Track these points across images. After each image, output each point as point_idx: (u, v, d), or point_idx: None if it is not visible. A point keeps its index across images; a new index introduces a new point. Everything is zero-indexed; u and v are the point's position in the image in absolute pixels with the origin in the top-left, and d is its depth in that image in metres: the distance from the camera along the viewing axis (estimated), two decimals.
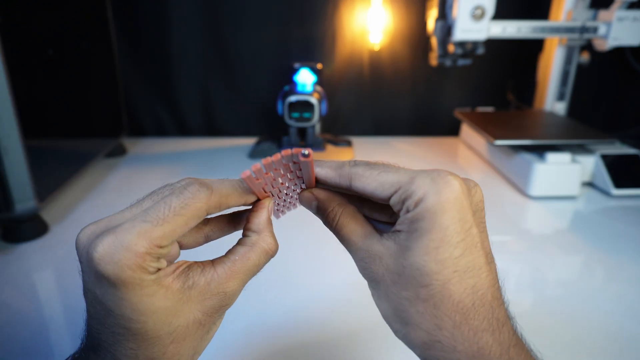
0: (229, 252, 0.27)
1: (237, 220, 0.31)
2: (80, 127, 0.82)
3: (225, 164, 0.95)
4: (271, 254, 0.28)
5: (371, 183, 0.25)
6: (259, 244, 0.27)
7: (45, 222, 0.66)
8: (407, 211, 0.23)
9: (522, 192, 0.81)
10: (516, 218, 0.73)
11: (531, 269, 0.58)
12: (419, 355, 0.24)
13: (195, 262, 0.26)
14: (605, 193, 0.81)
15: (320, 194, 0.29)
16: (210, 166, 0.93)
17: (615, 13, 0.86)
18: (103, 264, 0.22)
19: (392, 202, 0.24)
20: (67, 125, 0.77)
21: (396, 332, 0.25)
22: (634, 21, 0.86)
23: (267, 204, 0.29)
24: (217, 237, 0.30)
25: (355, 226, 0.27)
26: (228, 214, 0.30)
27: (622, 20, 0.86)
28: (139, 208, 0.25)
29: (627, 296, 0.53)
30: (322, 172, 0.27)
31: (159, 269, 0.23)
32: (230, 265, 0.26)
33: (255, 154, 0.99)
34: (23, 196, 0.59)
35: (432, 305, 0.23)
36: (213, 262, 0.26)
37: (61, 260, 0.59)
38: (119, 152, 0.98)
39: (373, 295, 0.26)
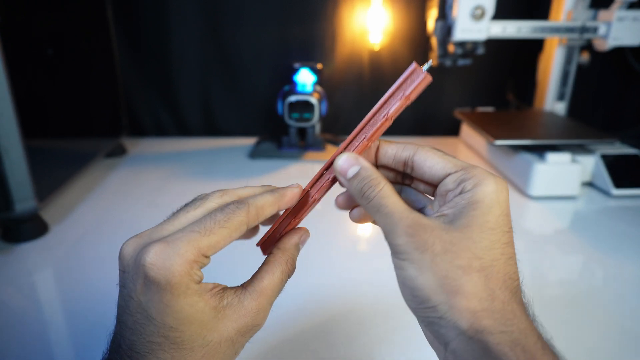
0: (255, 273, 0.29)
1: (255, 229, 0.33)
2: (80, 127, 0.82)
3: (225, 164, 0.95)
4: (289, 273, 0.30)
5: (434, 157, 0.28)
6: (281, 261, 0.30)
7: (45, 222, 0.66)
8: (462, 192, 0.26)
9: (522, 192, 0.81)
10: (516, 218, 0.73)
11: (531, 269, 0.58)
12: (463, 329, 0.23)
13: (228, 287, 0.28)
14: (606, 193, 0.81)
15: (364, 161, 0.28)
16: (210, 166, 0.93)
17: (615, 13, 0.86)
18: (155, 268, 0.24)
19: (447, 180, 0.27)
20: (67, 125, 0.77)
21: (435, 307, 0.24)
22: (634, 21, 0.86)
23: (302, 232, 0.31)
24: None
25: (397, 198, 0.27)
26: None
27: (622, 20, 0.86)
28: (176, 220, 0.27)
29: (628, 296, 0.53)
30: (387, 144, 0.30)
31: (199, 281, 0.25)
32: (259, 283, 0.28)
33: (255, 154, 0.99)
34: (23, 196, 0.59)
35: (484, 276, 0.24)
36: (243, 285, 0.28)
37: (61, 260, 0.59)
38: (119, 152, 0.98)
39: (409, 268, 0.25)
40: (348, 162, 0.28)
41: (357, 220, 0.32)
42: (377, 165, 0.31)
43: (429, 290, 0.24)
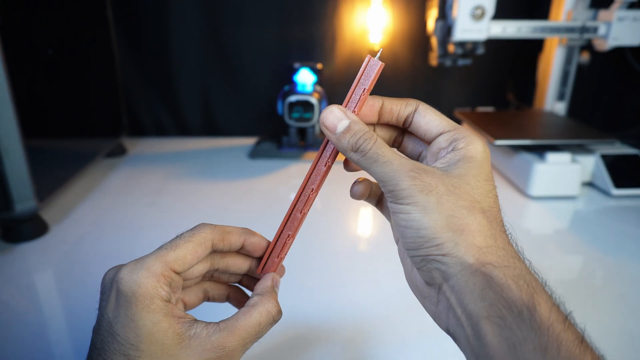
0: (234, 314, 0.29)
1: (234, 289, 0.34)
2: (80, 127, 0.82)
3: (225, 164, 0.95)
4: (273, 315, 0.29)
5: (432, 114, 0.28)
6: (261, 303, 0.29)
7: (45, 222, 0.66)
8: (454, 149, 0.27)
9: (522, 192, 0.81)
10: (516, 218, 0.73)
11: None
12: (468, 264, 0.24)
13: (200, 320, 0.28)
14: (605, 193, 0.81)
15: (353, 115, 0.27)
16: (210, 166, 0.93)
17: (615, 13, 0.86)
18: (124, 281, 0.25)
19: (440, 139, 0.28)
20: (67, 125, 0.77)
21: (441, 245, 0.24)
22: (634, 21, 0.86)
23: (273, 276, 0.32)
24: (216, 297, 0.33)
25: (391, 148, 0.27)
26: (226, 281, 0.33)
27: (622, 20, 0.86)
28: None
29: (627, 296, 0.53)
30: (389, 102, 0.29)
31: (168, 301, 0.26)
32: (233, 322, 0.28)
33: (255, 154, 0.99)
34: (23, 196, 0.59)
35: (486, 218, 0.25)
36: (217, 322, 0.28)
37: (61, 260, 0.59)
38: (119, 152, 0.98)
39: (414, 211, 0.24)
40: (336, 115, 0.27)
41: (359, 194, 0.31)
42: (379, 123, 0.30)
43: (436, 228, 0.24)
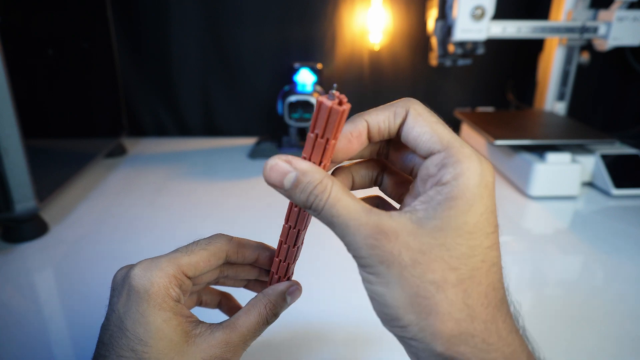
0: (236, 312, 0.30)
1: (226, 297, 0.35)
2: (80, 127, 0.82)
3: (225, 164, 0.95)
4: (267, 318, 0.30)
5: (423, 126, 0.22)
6: (260, 304, 0.30)
7: (45, 222, 0.66)
8: (439, 183, 0.21)
9: (522, 192, 0.81)
10: (516, 218, 0.73)
11: (531, 269, 0.58)
12: (437, 353, 0.21)
13: (204, 321, 0.29)
14: (605, 193, 0.81)
15: (302, 163, 0.23)
16: (210, 166, 0.93)
17: (615, 13, 0.86)
18: (137, 278, 0.26)
19: (429, 162, 0.22)
20: (67, 125, 0.77)
21: (405, 328, 0.21)
22: (634, 21, 0.86)
23: (290, 284, 0.31)
24: (208, 302, 0.34)
25: (351, 200, 0.22)
26: (231, 285, 0.34)
27: (622, 20, 0.86)
28: None
29: (627, 296, 0.53)
30: (372, 117, 0.24)
31: (178, 302, 0.27)
32: (234, 320, 0.29)
33: (255, 154, 0.99)
34: (23, 196, 0.59)
35: (462, 291, 0.20)
36: (220, 322, 0.29)
37: (61, 260, 0.59)
38: (119, 152, 0.98)
39: (377, 283, 0.22)
40: (280, 169, 0.23)
41: None
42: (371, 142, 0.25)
43: (399, 309, 0.21)
